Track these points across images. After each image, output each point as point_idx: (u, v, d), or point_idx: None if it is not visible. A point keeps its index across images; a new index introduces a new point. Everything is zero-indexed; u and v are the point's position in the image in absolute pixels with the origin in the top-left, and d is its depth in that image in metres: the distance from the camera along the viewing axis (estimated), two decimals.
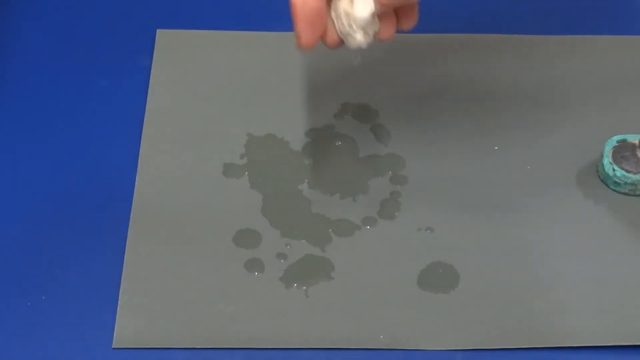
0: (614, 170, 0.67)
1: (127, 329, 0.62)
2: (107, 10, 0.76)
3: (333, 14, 0.61)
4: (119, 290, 0.64)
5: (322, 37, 0.61)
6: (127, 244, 0.65)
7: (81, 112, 0.71)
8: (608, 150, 0.68)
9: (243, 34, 0.75)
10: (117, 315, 0.63)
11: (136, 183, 0.68)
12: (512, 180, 0.69)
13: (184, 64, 0.74)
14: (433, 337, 0.62)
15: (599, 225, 0.67)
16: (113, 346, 0.62)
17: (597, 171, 0.68)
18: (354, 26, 0.60)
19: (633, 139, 0.68)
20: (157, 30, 0.75)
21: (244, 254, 0.65)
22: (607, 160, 0.67)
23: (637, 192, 0.68)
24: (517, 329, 0.63)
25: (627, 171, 0.67)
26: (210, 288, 0.64)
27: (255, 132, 0.71)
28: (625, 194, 0.68)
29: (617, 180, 0.67)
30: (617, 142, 0.68)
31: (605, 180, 0.68)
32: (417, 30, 0.73)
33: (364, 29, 0.61)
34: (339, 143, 0.70)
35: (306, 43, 0.60)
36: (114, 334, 0.62)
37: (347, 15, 0.60)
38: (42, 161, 0.69)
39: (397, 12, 0.62)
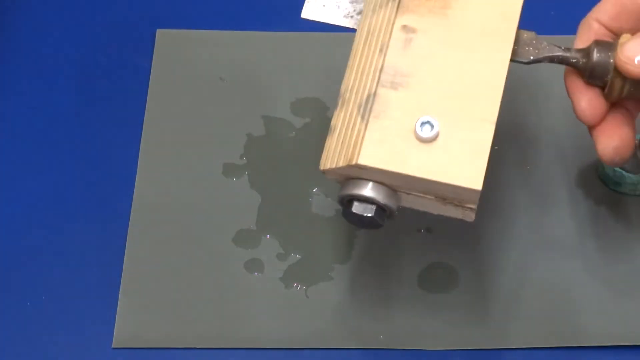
0: (614, 170, 0.67)
1: (127, 329, 0.62)
2: (107, 11, 0.76)
3: None
4: (119, 290, 0.64)
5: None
6: (127, 244, 0.65)
7: (81, 112, 0.71)
8: None
9: (243, 34, 0.75)
10: (117, 315, 0.63)
11: (136, 183, 0.68)
12: (512, 180, 0.69)
13: (184, 64, 0.73)
14: (433, 337, 0.62)
15: (599, 225, 0.67)
16: (113, 346, 0.62)
17: (597, 171, 0.68)
18: None
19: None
20: (157, 30, 0.75)
21: (244, 254, 0.65)
22: None
23: (637, 192, 0.67)
24: (517, 329, 0.63)
25: (627, 171, 0.67)
26: (210, 288, 0.64)
27: (255, 132, 0.71)
28: (625, 194, 0.68)
29: (617, 180, 0.67)
30: None
31: (605, 180, 0.68)
32: None
33: None
34: None
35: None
36: (114, 334, 0.62)
37: None
38: (42, 161, 0.69)
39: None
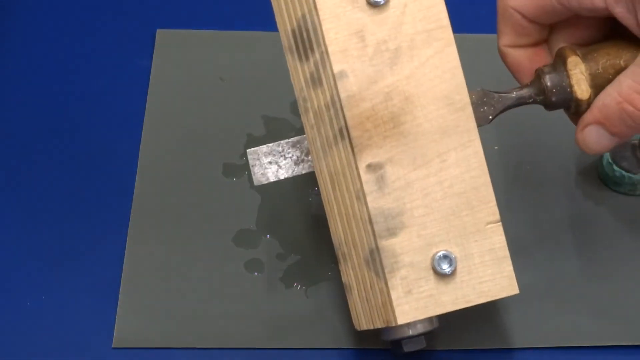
0: (614, 170, 0.67)
1: (127, 329, 0.62)
2: (107, 10, 0.76)
3: None
4: (119, 290, 0.64)
5: None
6: (127, 244, 0.65)
7: (81, 112, 0.71)
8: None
9: (243, 34, 0.75)
10: (117, 315, 0.63)
11: (136, 183, 0.68)
12: (512, 180, 0.69)
13: (184, 64, 0.73)
14: (432, 337, 0.62)
15: (599, 225, 0.67)
16: (113, 346, 0.62)
17: (597, 171, 0.68)
18: None
19: (633, 139, 0.68)
20: (157, 30, 0.75)
21: (243, 254, 0.65)
22: (607, 160, 0.67)
23: (637, 192, 0.67)
24: (517, 328, 0.63)
25: (627, 171, 0.67)
26: (210, 288, 0.64)
27: (255, 132, 0.71)
28: (625, 194, 0.68)
29: (617, 180, 0.67)
30: None
31: (605, 180, 0.68)
32: None
33: None
34: None
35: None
36: (114, 334, 0.62)
37: None
38: (42, 161, 0.69)
39: None
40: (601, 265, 0.65)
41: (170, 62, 0.74)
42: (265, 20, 0.75)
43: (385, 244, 0.53)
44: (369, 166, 0.53)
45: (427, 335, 0.56)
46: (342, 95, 0.53)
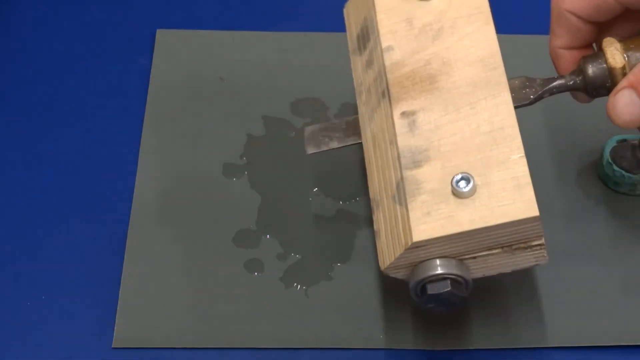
0: (614, 170, 0.67)
1: (127, 329, 0.62)
2: (107, 10, 0.76)
3: None
4: (119, 290, 0.64)
5: None
6: (127, 244, 0.65)
7: (81, 112, 0.71)
8: (608, 150, 0.67)
9: (243, 34, 0.75)
10: (117, 315, 0.63)
11: (136, 183, 0.68)
12: None
13: (184, 64, 0.74)
14: (433, 337, 0.62)
15: (599, 225, 0.67)
16: (113, 346, 0.62)
17: (597, 171, 0.68)
18: None
19: (633, 139, 0.68)
20: (157, 30, 0.75)
21: (243, 254, 0.65)
22: (607, 160, 0.67)
23: (637, 192, 0.67)
24: (517, 329, 0.63)
25: (627, 171, 0.67)
26: (210, 288, 0.64)
27: (255, 132, 0.71)
28: (625, 194, 0.68)
29: (617, 180, 0.67)
30: (617, 142, 0.68)
31: (605, 180, 0.68)
32: None
33: None
34: None
35: None
36: (114, 334, 0.62)
37: None
38: (42, 161, 0.69)
39: None
40: (601, 265, 0.65)
41: (170, 62, 0.74)
42: (266, 20, 0.76)
43: (409, 173, 0.55)
44: (402, 113, 0.58)
45: (455, 283, 0.55)
46: (387, 63, 0.59)
